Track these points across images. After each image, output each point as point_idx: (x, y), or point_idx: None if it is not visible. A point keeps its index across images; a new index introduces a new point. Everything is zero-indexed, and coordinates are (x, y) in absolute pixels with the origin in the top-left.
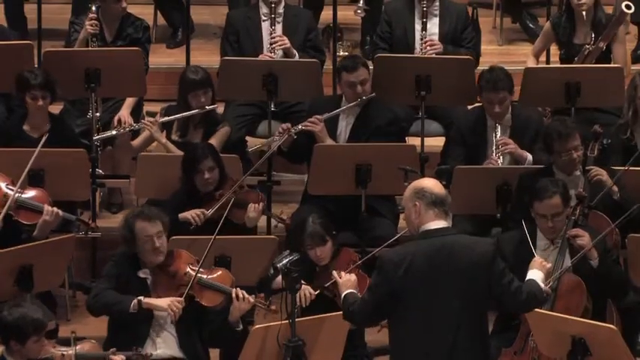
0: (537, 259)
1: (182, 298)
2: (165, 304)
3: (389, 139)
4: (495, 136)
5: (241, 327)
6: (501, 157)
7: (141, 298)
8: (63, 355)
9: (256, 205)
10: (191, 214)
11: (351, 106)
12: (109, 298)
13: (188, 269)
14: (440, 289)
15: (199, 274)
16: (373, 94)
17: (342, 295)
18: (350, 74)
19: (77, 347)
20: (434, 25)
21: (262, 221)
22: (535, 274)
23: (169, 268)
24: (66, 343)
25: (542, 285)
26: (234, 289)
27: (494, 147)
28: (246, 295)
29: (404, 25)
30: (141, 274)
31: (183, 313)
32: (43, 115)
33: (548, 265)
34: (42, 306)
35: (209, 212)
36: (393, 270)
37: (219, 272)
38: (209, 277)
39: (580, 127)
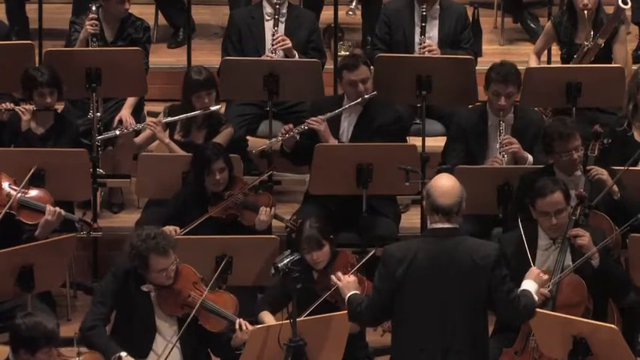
0: (534, 269)
1: None
2: None
3: (391, 139)
4: (500, 134)
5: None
6: (505, 156)
7: (123, 354)
8: None
9: (267, 208)
10: (167, 230)
11: (353, 104)
12: (98, 342)
13: (193, 292)
14: (439, 287)
15: (204, 299)
16: (375, 92)
17: (347, 298)
18: (351, 73)
19: (81, 357)
20: (433, 29)
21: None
22: (530, 285)
23: (174, 285)
24: (68, 343)
25: (535, 297)
26: (237, 320)
27: (498, 145)
28: (249, 327)
29: (403, 28)
30: (144, 289)
31: (187, 327)
32: (48, 112)
33: (545, 277)
34: (43, 307)
35: (181, 232)
36: (396, 265)
37: (224, 296)
38: (214, 302)
39: (581, 127)
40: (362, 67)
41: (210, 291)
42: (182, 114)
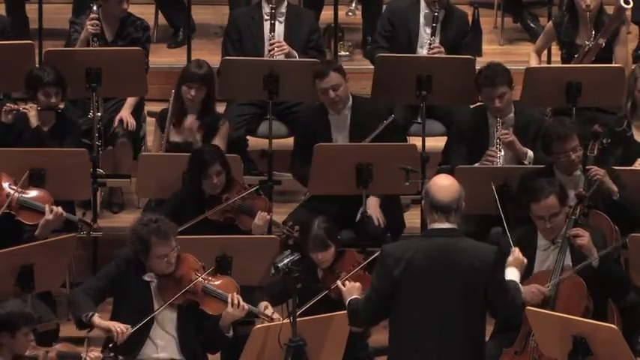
0: (515, 250)
1: (130, 326)
2: (110, 325)
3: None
4: (497, 130)
5: (231, 333)
6: (502, 149)
7: (93, 313)
8: (47, 351)
9: (264, 213)
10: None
11: None
12: (76, 298)
13: (195, 277)
14: (436, 288)
15: (205, 282)
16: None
17: (347, 302)
18: (321, 81)
19: (57, 346)
20: (436, 31)
21: None
22: (512, 273)
23: (175, 273)
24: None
25: (521, 287)
26: (230, 295)
27: (495, 139)
28: (242, 303)
29: (408, 29)
30: (146, 278)
31: (185, 317)
32: (50, 112)
33: (524, 260)
34: (43, 306)
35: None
36: (394, 264)
37: (225, 280)
38: (214, 284)
39: (581, 127)
40: (332, 74)
41: (211, 275)
42: (175, 111)
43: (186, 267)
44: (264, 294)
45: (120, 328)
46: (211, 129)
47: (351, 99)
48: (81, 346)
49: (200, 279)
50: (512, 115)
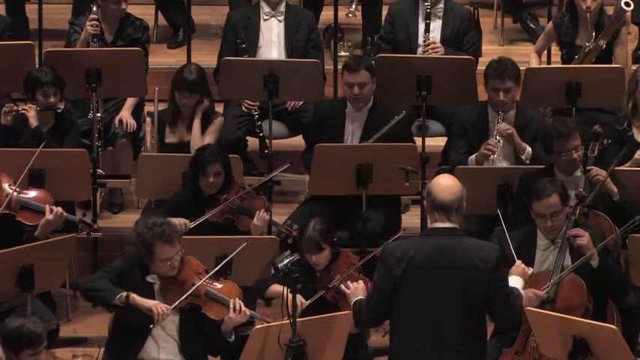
0: (519, 264)
1: (170, 306)
2: (152, 304)
3: (401, 133)
4: (498, 122)
5: (233, 338)
6: (501, 140)
7: (130, 293)
8: None
9: (263, 213)
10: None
11: None
12: (99, 284)
13: (196, 282)
14: (437, 287)
15: (207, 286)
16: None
17: (352, 304)
18: (350, 74)
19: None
20: (436, 28)
21: None
22: (516, 282)
23: (178, 276)
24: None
25: (523, 293)
26: (231, 300)
27: (495, 131)
28: (244, 308)
29: (407, 28)
30: (149, 279)
31: (187, 319)
32: (49, 112)
33: (530, 272)
34: (43, 306)
35: (192, 224)
36: (395, 263)
37: (227, 284)
38: (217, 289)
39: (581, 128)
40: (362, 71)
41: (213, 279)
42: (170, 112)
43: (190, 270)
44: (272, 280)
45: (161, 309)
46: (206, 123)
47: (372, 99)
48: (90, 347)
49: (203, 283)
50: (512, 113)
